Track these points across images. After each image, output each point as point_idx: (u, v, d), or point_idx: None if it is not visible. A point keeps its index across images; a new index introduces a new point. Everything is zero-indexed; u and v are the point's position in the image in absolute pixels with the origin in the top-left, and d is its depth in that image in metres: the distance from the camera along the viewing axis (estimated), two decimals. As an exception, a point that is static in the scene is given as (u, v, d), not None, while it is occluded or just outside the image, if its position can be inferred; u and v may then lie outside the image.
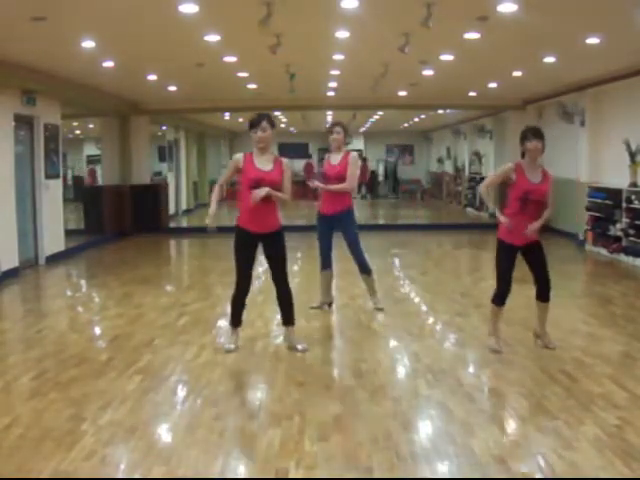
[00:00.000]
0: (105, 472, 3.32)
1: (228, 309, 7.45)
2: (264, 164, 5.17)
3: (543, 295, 5.25)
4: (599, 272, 9.54)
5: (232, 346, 5.41)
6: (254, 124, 5.15)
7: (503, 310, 5.34)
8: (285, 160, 5.32)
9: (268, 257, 5.29)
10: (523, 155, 5.19)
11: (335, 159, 6.47)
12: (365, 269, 6.68)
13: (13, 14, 6.27)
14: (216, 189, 5.40)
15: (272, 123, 5.16)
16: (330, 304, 6.87)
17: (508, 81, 11.48)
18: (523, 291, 7.39)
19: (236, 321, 5.47)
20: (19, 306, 7.82)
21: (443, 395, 4.34)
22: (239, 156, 5.23)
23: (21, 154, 9.70)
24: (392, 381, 4.75)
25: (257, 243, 5.21)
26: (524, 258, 5.26)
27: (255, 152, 5.21)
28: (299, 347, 5.37)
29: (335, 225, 6.53)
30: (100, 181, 20.70)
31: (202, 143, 23.33)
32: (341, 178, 6.36)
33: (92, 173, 21.92)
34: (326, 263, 6.69)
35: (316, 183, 6.40)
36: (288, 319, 5.44)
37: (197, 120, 20.06)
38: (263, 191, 5.01)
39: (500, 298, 5.23)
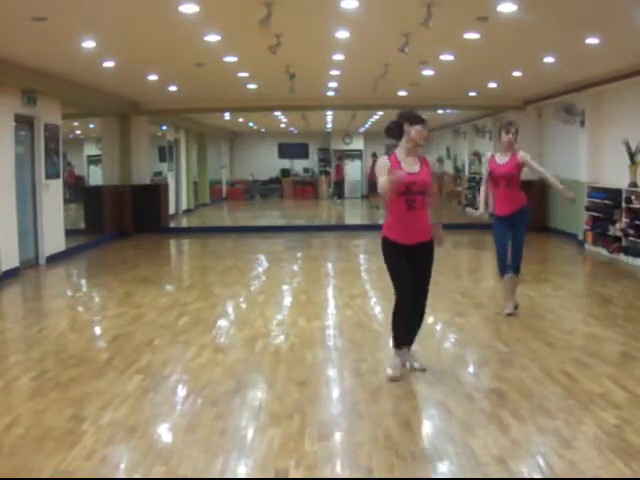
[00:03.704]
0: (105, 472, 3.32)
1: (228, 308, 7.52)
2: (411, 165, 4.64)
3: None
4: (599, 272, 9.53)
5: (393, 373, 4.67)
6: (417, 120, 4.59)
7: None
8: (431, 159, 4.89)
9: (412, 270, 4.70)
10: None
11: (502, 159, 6.33)
12: (518, 270, 6.47)
13: (13, 14, 6.27)
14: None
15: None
16: (516, 307, 6.57)
17: (508, 81, 11.47)
18: (523, 291, 7.39)
19: (400, 340, 4.77)
20: (19, 306, 7.83)
21: (443, 395, 4.34)
22: (385, 159, 4.64)
23: (21, 154, 9.70)
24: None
25: (407, 253, 4.68)
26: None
27: (401, 152, 4.68)
28: (416, 365, 4.85)
29: (510, 225, 6.37)
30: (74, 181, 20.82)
31: (202, 143, 23.33)
32: (510, 178, 6.25)
33: (71, 173, 21.82)
34: (505, 267, 6.43)
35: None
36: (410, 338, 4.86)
37: (197, 120, 20.05)
38: (400, 175, 4.35)
39: None
